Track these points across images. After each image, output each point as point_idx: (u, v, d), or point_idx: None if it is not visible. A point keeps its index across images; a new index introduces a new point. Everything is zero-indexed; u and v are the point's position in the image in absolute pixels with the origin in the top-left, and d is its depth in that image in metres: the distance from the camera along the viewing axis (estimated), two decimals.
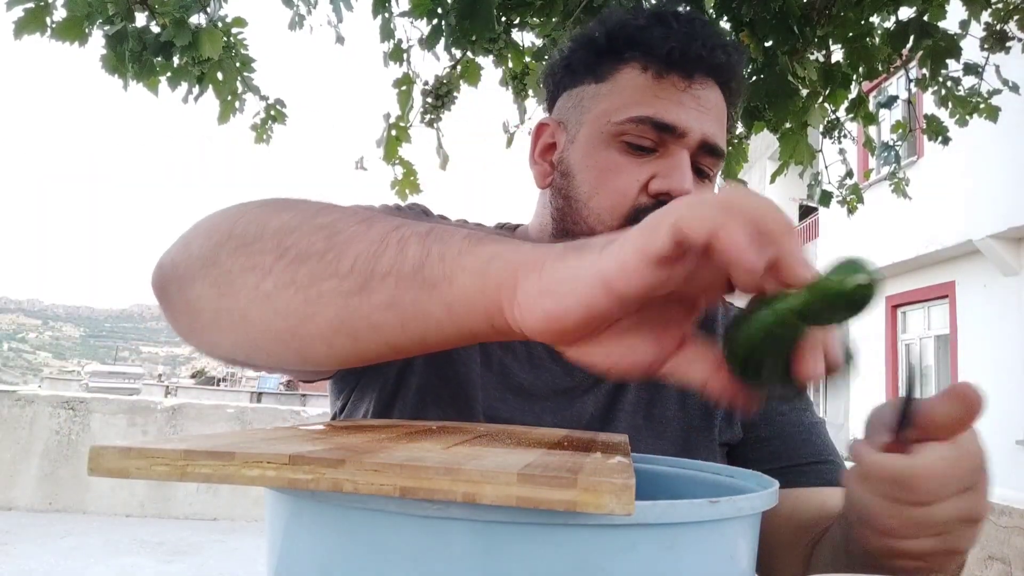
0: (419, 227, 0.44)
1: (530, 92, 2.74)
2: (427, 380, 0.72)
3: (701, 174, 0.71)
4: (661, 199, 0.67)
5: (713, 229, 0.34)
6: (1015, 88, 2.86)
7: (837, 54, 2.59)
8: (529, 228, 0.82)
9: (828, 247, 11.06)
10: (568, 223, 0.73)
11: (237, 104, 2.62)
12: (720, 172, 0.76)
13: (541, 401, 0.74)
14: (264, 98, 2.77)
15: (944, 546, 0.45)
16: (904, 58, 2.61)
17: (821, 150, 2.93)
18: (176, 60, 2.36)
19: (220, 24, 2.36)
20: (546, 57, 2.38)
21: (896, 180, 3.52)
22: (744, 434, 0.80)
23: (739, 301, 0.41)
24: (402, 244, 0.43)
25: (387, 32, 2.64)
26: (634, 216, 0.68)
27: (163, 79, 2.39)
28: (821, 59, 2.56)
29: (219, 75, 2.53)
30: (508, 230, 0.85)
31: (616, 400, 0.76)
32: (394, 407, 0.72)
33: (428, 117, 2.67)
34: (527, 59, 2.69)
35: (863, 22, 2.45)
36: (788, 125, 2.57)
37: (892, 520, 0.45)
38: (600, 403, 0.75)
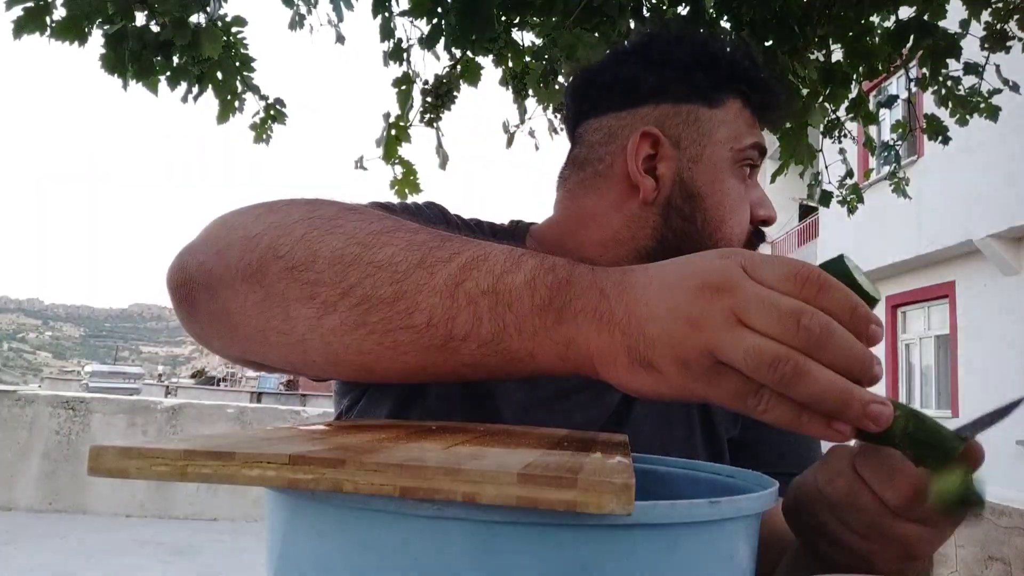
0: (480, 278, 0.45)
1: (530, 92, 2.74)
2: (448, 386, 0.70)
3: None
4: (761, 225, 0.78)
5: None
6: (1015, 88, 2.86)
7: (837, 53, 2.59)
8: (591, 236, 0.77)
9: (828, 247, 11.05)
10: (687, 246, 0.69)
11: (237, 104, 2.62)
12: None
13: (571, 396, 0.73)
14: (264, 98, 2.77)
15: (928, 536, 0.45)
16: (904, 58, 2.61)
17: (821, 150, 2.93)
18: (176, 60, 2.36)
19: (220, 24, 2.36)
20: (575, 57, 2.12)
21: (896, 180, 3.52)
22: (738, 434, 0.81)
23: None
24: (472, 306, 0.45)
25: (387, 31, 2.64)
26: (747, 243, 0.76)
27: (163, 79, 2.39)
28: (821, 59, 2.56)
29: (219, 75, 2.52)
30: (522, 228, 0.84)
31: None
32: (412, 412, 0.70)
33: (428, 117, 2.67)
34: (527, 59, 2.68)
35: (863, 22, 2.45)
36: (788, 125, 2.57)
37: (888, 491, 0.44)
38: (623, 395, 0.74)
